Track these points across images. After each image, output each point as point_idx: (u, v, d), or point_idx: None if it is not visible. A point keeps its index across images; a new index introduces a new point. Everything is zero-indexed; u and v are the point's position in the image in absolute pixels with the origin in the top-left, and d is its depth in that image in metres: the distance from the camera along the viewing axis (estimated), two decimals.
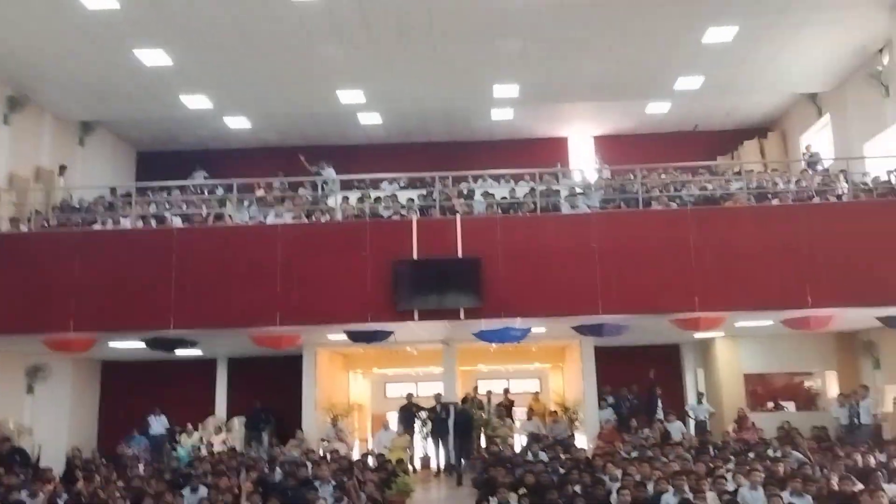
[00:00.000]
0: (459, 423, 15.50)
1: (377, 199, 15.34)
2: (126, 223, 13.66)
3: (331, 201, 15.30)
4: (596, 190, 15.08)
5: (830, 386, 17.73)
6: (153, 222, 14.30)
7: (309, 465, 12.12)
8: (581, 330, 13.14)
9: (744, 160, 19.74)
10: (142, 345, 13.33)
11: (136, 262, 12.26)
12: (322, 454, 14.44)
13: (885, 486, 9.19)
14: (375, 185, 17.30)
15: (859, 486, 9.25)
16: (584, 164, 20.75)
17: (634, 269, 12.06)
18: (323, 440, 15.86)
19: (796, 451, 12.33)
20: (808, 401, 18.12)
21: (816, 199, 13.86)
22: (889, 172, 13.98)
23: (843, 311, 12.31)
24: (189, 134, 20.55)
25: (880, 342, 16.25)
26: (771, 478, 10.02)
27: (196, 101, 17.60)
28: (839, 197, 14.04)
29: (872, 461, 11.33)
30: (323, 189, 16.20)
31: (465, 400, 16.33)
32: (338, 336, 14.05)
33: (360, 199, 15.49)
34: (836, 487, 9.52)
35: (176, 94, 17.16)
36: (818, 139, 18.84)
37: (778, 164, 18.66)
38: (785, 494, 8.93)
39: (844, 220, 12.35)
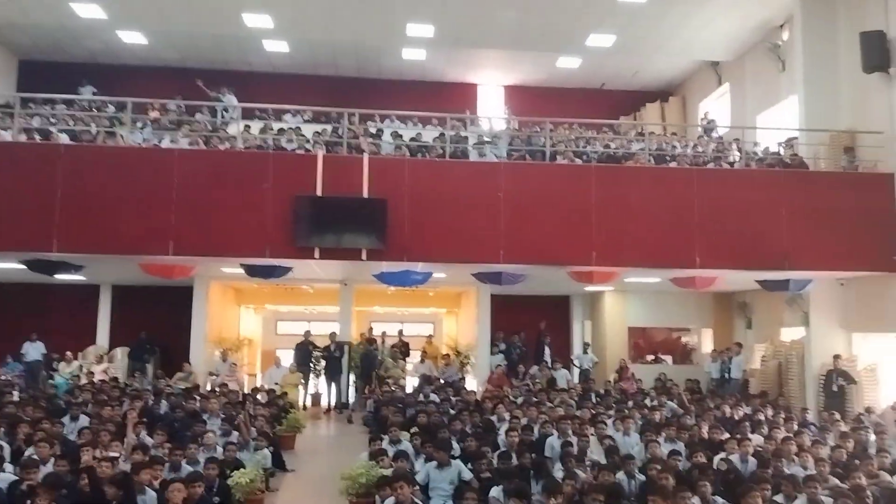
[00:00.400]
0: (364, 363, 15.65)
1: (280, 131, 14.82)
2: (6, 136, 12.60)
3: (231, 129, 14.66)
4: (502, 139, 15.12)
5: (706, 342, 18.88)
6: (37, 137, 13.26)
7: (197, 397, 11.85)
8: (481, 277, 13.30)
9: (646, 122, 20.32)
10: (20, 266, 12.48)
11: (18, 179, 11.36)
12: (210, 388, 14.16)
13: (750, 435, 9.92)
14: (279, 115, 16.72)
15: (726, 436, 9.93)
16: (492, 113, 20.78)
17: (537, 221, 12.25)
18: (212, 374, 15.53)
19: (671, 402, 13.11)
20: (684, 355, 19.26)
21: (711, 165, 14.45)
22: (779, 144, 14.72)
23: (727, 272, 13.01)
24: (78, 45, 19.12)
25: (754, 303, 17.36)
26: (647, 425, 10.64)
27: (88, 10, 16.27)
28: (731, 164, 14.68)
29: (740, 413, 12.19)
30: (223, 116, 15.49)
31: (371, 341, 16.43)
32: (233, 269, 13.65)
33: (263, 130, 14.92)
34: (706, 435, 10.18)
35: (66, 0, 15.81)
36: (716, 107, 19.61)
37: (677, 129, 19.30)
38: (660, 440, 9.49)
39: (735, 187, 12.95)
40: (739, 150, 14.97)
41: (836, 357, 13.73)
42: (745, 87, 18.21)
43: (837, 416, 11.98)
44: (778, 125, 16.07)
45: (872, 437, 10.36)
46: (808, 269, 12.70)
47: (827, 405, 13.30)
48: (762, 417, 11.74)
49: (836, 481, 7.87)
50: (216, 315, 16.97)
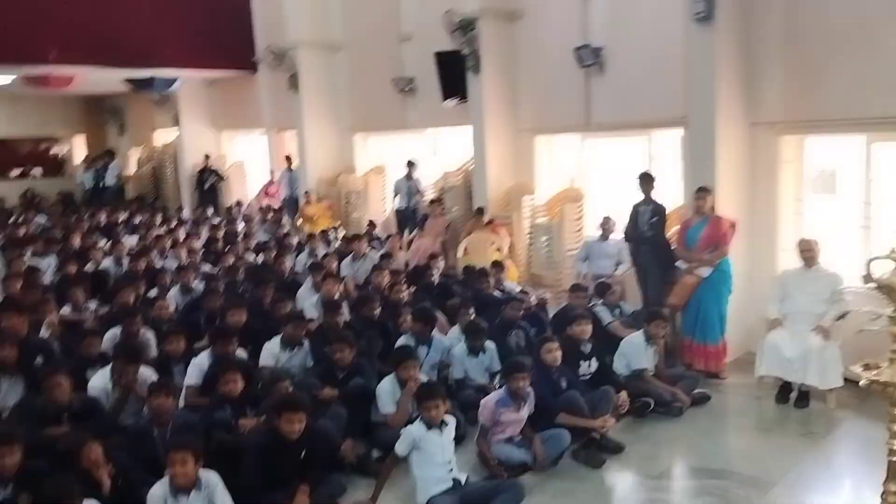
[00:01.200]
0: None
1: None
2: None
3: None
4: None
5: (78, 152, 17.59)
6: None
7: None
8: None
9: None
10: None
11: None
12: None
13: (125, 239, 9.67)
14: None
15: (104, 242, 9.56)
16: None
17: None
18: None
19: (41, 216, 12.01)
20: (55, 167, 17.63)
21: None
22: None
23: (88, 70, 11.91)
24: None
25: (126, 107, 16.70)
26: (11, 242, 9.54)
27: None
28: None
29: (117, 219, 11.87)
30: None
31: None
32: None
33: None
34: (78, 245, 9.57)
35: None
36: None
37: None
38: (26, 256, 8.57)
39: None
40: None
41: (207, 156, 14.29)
42: None
43: (210, 210, 12.65)
44: None
45: (242, 226, 11.25)
46: (173, 66, 12.51)
47: (200, 201, 13.90)
48: (138, 220, 11.65)
49: (209, 267, 8.30)
50: None
